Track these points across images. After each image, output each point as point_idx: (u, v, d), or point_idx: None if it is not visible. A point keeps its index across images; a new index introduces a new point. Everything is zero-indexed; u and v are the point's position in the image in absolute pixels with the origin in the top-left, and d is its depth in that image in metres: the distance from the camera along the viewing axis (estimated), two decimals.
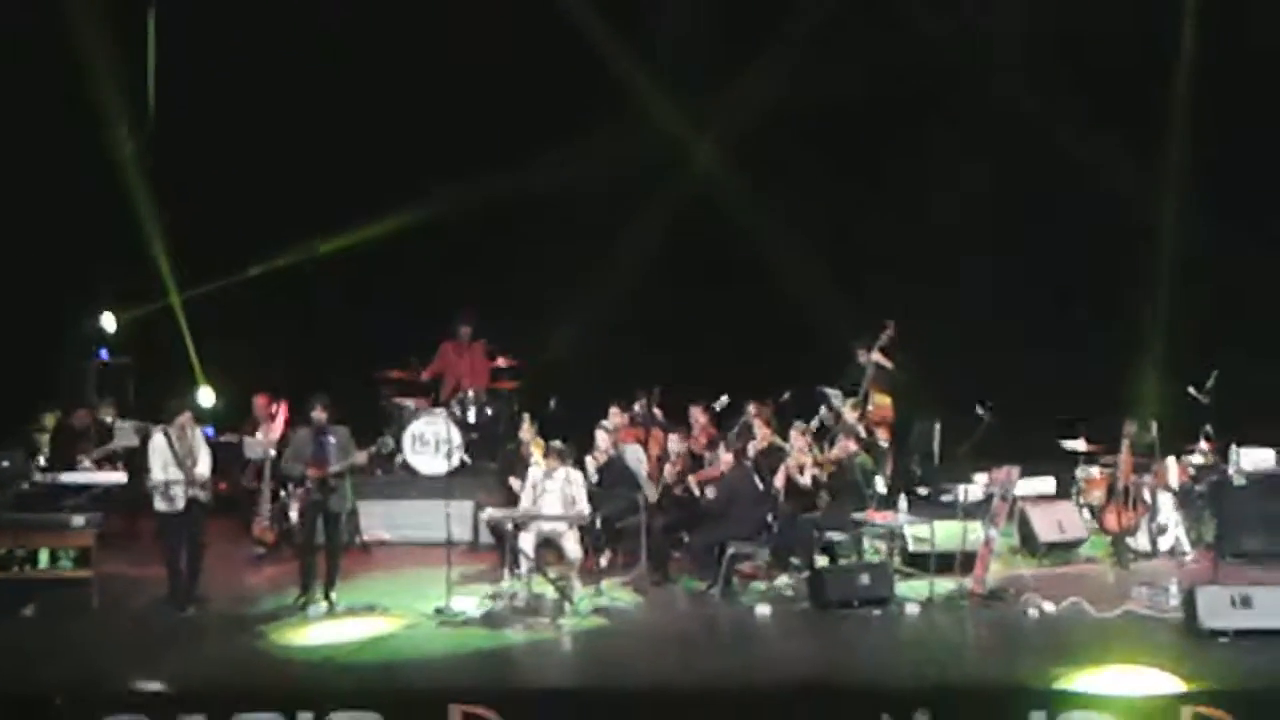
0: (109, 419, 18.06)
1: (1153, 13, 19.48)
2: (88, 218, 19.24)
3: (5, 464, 16.39)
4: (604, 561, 16.71)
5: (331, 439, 15.46)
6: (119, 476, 16.90)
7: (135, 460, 16.90)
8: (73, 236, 19.11)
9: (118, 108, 19.30)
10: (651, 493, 16.72)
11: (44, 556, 16.26)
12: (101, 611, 15.22)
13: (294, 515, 16.36)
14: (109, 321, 20.04)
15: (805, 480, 16.47)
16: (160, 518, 15.36)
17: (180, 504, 15.15)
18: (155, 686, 13.07)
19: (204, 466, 15.31)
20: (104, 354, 19.91)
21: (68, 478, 16.74)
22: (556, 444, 16.14)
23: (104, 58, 18.95)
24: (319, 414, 15.51)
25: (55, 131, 18.71)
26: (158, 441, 15.30)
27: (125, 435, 17.89)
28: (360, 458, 15.75)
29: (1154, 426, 17.44)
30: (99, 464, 17.28)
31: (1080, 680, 12.92)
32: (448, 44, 19.87)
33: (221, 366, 19.13)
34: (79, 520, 15.59)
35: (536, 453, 16.54)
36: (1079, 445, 18.05)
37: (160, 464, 15.19)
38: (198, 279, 19.94)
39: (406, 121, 20.12)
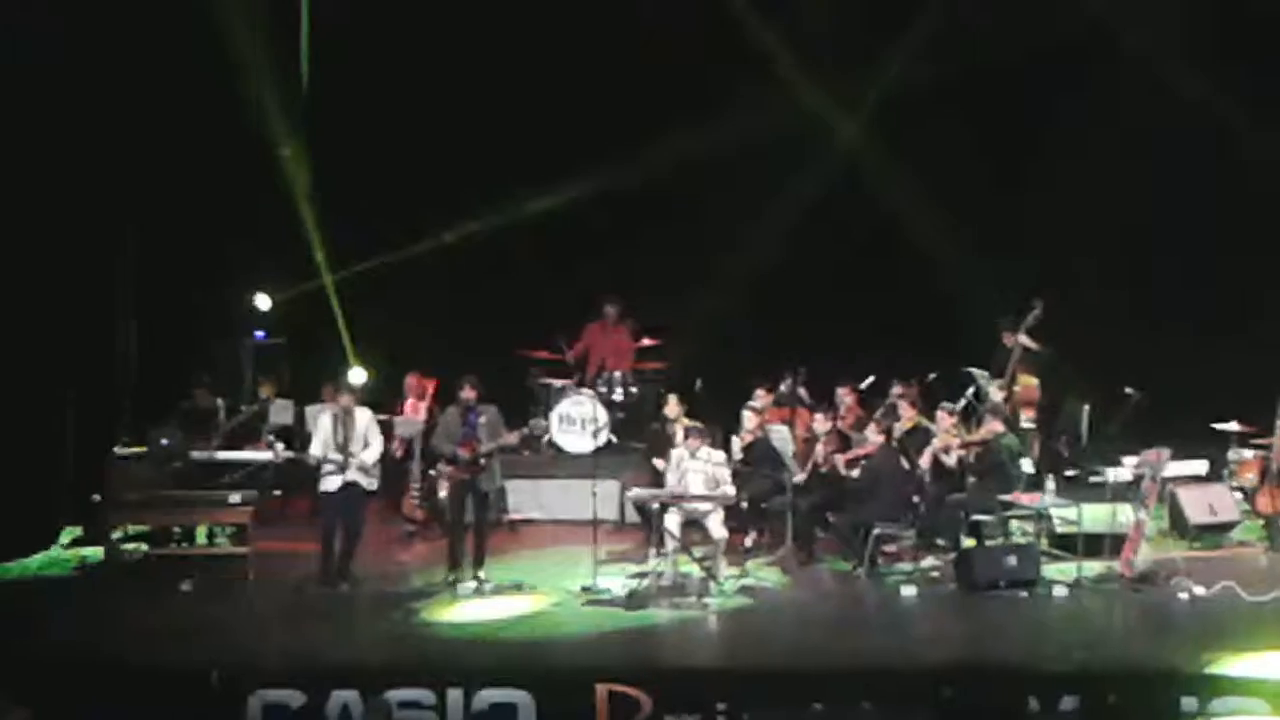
0: (265, 398, 18.42)
1: None
2: (242, 198, 19.50)
3: (164, 442, 16.75)
4: (749, 541, 16.75)
5: (481, 418, 15.63)
6: (272, 454, 17.19)
7: (290, 438, 17.22)
8: (227, 217, 19.41)
9: (271, 87, 19.49)
10: (799, 473, 16.67)
11: (201, 533, 16.61)
12: (257, 588, 15.53)
13: (443, 493, 16.54)
14: (264, 302, 20.31)
15: (951, 461, 16.38)
16: (320, 496, 15.70)
17: (335, 484, 15.45)
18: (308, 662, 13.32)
19: (370, 454, 15.57)
20: (259, 334, 20.22)
21: (224, 455, 17.10)
22: (696, 425, 16.22)
23: (256, 38, 19.13)
24: (468, 393, 15.69)
25: (209, 112, 18.95)
26: (324, 420, 15.64)
27: (281, 413, 18.26)
28: (512, 439, 15.92)
29: None
30: (232, 444, 17.57)
31: (1232, 665, 12.76)
32: (596, 22, 19.94)
33: (374, 346, 19.35)
34: (236, 497, 15.95)
35: (680, 433, 16.60)
36: (1232, 427, 17.78)
37: (321, 442, 15.52)
38: (351, 259, 20.16)
39: (553, 100, 20.21)
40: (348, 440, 15.49)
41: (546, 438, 19.23)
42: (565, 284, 20.55)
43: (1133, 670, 12.94)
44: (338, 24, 20.04)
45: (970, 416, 17.76)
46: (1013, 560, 15.36)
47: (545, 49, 20.08)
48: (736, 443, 16.87)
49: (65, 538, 17.22)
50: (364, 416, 15.72)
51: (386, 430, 17.81)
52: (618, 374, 19.89)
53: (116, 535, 16.37)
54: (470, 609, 14.93)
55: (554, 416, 19.27)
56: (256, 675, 12.77)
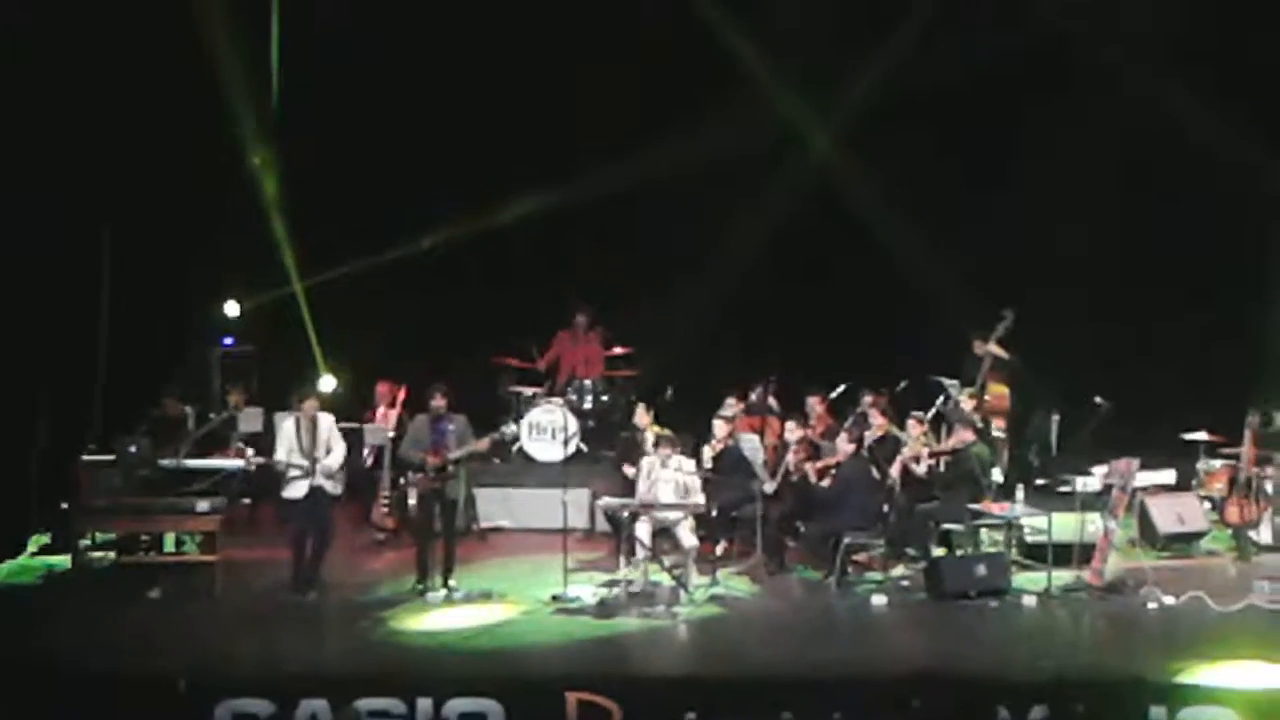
0: (234, 406, 18.36)
1: None
2: (212, 205, 19.43)
3: (132, 450, 16.70)
4: (720, 550, 16.73)
5: (450, 426, 15.61)
6: (241, 462, 17.14)
7: (260, 446, 17.16)
8: (197, 224, 19.34)
9: (242, 95, 19.44)
10: (769, 482, 16.67)
11: (169, 541, 16.53)
12: (224, 596, 15.45)
13: (413, 501, 16.50)
14: (233, 309, 20.26)
15: (921, 470, 16.41)
16: (284, 503, 15.65)
17: (302, 490, 15.40)
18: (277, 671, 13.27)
19: (333, 459, 15.52)
20: (228, 341, 20.14)
21: (192, 463, 17.04)
22: (667, 433, 16.20)
23: (228, 45, 19.07)
24: (437, 402, 15.67)
25: (180, 119, 18.87)
26: (287, 426, 15.60)
27: (250, 421, 18.19)
28: (483, 444, 15.90)
29: (1277, 418, 17.20)
30: (201, 451, 17.50)
31: (1200, 675, 12.79)
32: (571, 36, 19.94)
33: (344, 353, 19.31)
34: (204, 505, 15.85)
35: (650, 441, 16.59)
36: (1201, 437, 17.84)
37: (285, 448, 15.48)
38: (320, 266, 20.10)
39: (526, 107, 20.19)
40: (312, 445, 15.46)
41: (517, 446, 19.21)
42: (536, 292, 20.51)
43: (1101, 680, 12.94)
44: (310, 31, 19.99)
45: (940, 425, 17.78)
46: (982, 569, 15.37)
47: (519, 56, 20.06)
48: (707, 451, 16.84)
49: (33, 545, 17.13)
50: (326, 422, 15.69)
51: (357, 438, 17.82)
52: (588, 382, 19.90)
53: (84, 543, 16.27)
54: (440, 618, 14.88)
55: (524, 425, 19.25)
56: (224, 684, 12.69)
